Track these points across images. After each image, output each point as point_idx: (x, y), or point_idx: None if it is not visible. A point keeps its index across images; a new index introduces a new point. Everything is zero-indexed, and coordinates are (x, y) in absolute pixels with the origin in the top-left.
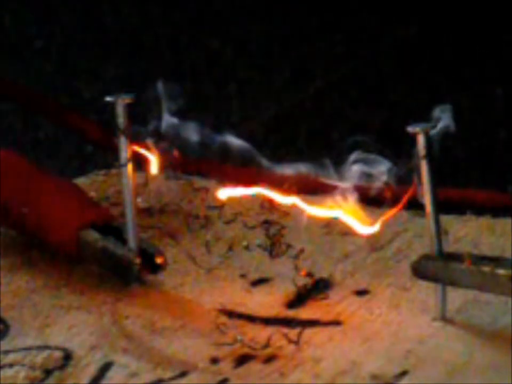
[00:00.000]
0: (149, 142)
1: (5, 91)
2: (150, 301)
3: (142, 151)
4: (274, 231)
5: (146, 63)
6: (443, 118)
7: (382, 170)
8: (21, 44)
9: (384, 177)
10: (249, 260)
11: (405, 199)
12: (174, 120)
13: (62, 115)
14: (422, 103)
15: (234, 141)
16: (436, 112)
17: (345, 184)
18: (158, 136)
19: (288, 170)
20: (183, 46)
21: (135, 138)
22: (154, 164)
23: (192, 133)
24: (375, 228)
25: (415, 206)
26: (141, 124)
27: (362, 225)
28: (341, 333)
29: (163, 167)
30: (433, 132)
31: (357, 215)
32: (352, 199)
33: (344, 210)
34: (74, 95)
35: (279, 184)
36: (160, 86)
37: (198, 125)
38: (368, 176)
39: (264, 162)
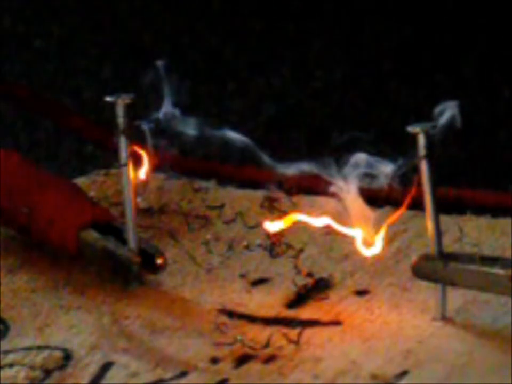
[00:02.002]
0: (147, 140)
1: (5, 91)
2: (150, 301)
3: (140, 152)
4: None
5: (146, 63)
6: (448, 114)
7: (383, 170)
8: (21, 44)
9: (386, 178)
10: (249, 260)
11: (407, 201)
12: (174, 110)
13: (62, 115)
14: (422, 103)
15: (234, 135)
16: (441, 108)
17: (349, 186)
18: (157, 126)
19: (290, 169)
20: (183, 45)
21: (135, 132)
22: (144, 169)
23: (191, 127)
24: (378, 248)
25: (415, 206)
26: (142, 112)
27: (367, 244)
28: (341, 333)
29: (154, 169)
30: (437, 126)
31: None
32: (360, 204)
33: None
34: (74, 95)
35: (280, 183)
36: (161, 68)
37: (197, 119)
38: (370, 176)
39: (265, 158)
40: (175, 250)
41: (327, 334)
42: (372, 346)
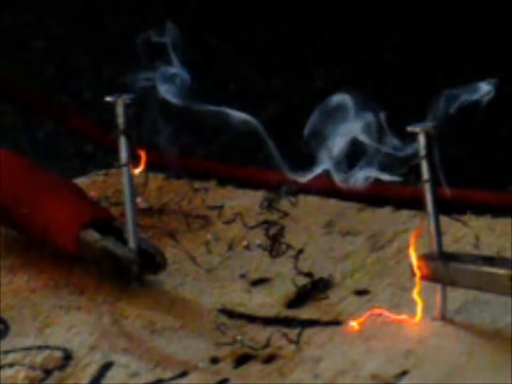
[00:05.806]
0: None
1: (5, 91)
2: (150, 301)
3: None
4: (274, 231)
5: (146, 63)
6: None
7: (383, 170)
8: (21, 44)
9: (388, 178)
10: (249, 260)
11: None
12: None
13: (62, 115)
14: (422, 103)
15: (234, 113)
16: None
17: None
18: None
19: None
20: (183, 45)
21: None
22: (139, 167)
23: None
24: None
25: (415, 206)
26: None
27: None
28: (341, 333)
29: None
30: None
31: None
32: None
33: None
34: (74, 95)
35: (280, 183)
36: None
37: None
38: (373, 177)
39: (270, 145)
40: (175, 250)
41: (327, 334)
42: (371, 346)
